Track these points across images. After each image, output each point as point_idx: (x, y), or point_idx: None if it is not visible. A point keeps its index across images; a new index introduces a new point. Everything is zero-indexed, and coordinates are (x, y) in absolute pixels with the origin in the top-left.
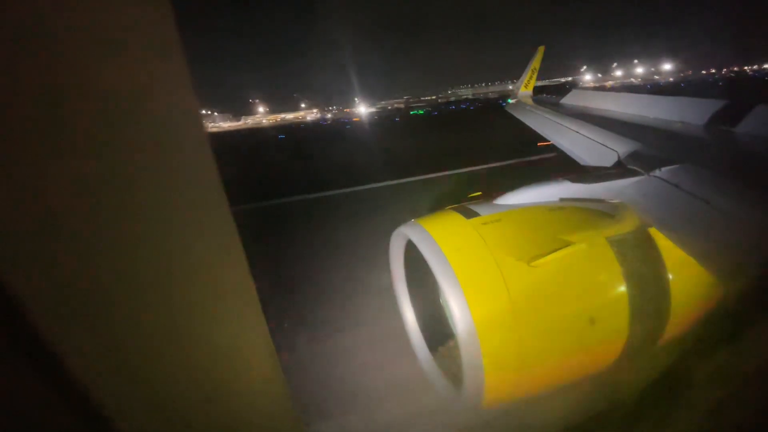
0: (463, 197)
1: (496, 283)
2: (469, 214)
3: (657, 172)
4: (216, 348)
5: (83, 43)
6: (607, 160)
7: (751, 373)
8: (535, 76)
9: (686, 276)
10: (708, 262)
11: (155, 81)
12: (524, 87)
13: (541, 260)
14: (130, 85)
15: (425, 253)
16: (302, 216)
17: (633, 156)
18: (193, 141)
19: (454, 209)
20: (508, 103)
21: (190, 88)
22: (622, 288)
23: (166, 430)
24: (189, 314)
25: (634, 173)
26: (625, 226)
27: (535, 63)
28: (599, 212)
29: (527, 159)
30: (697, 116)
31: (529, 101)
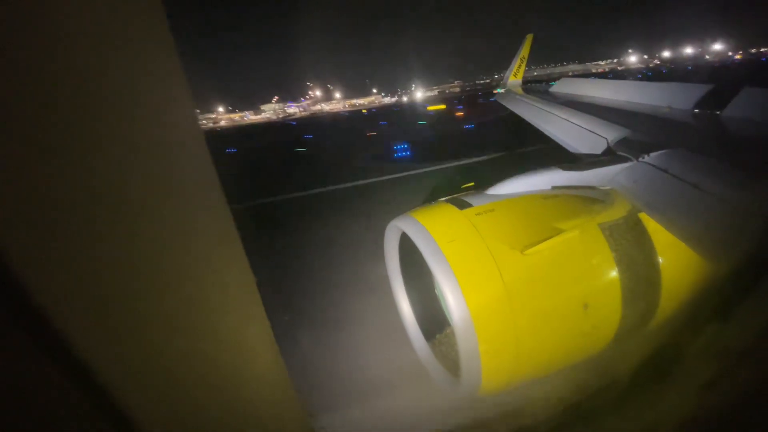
0: None
1: (490, 272)
2: (462, 205)
3: (646, 158)
4: (219, 340)
5: (78, 43)
6: (597, 147)
7: (741, 351)
8: (524, 65)
9: (676, 259)
10: (697, 244)
11: (149, 81)
12: (513, 76)
13: (535, 248)
14: (124, 85)
15: (419, 245)
16: None
17: (622, 142)
18: (190, 139)
19: (447, 201)
20: (498, 92)
21: (185, 86)
22: (614, 273)
23: (174, 419)
24: (192, 308)
25: (623, 159)
26: (616, 212)
27: (524, 52)
28: (590, 199)
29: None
30: (685, 101)
31: (519, 90)
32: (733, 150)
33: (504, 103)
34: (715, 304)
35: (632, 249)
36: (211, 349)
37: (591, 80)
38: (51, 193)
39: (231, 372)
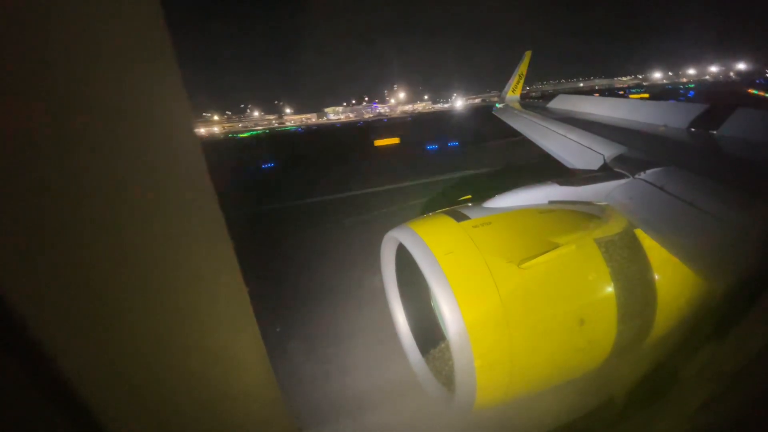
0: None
1: (486, 285)
2: (460, 217)
3: (642, 175)
4: (209, 353)
5: (76, 50)
6: (594, 163)
7: (736, 369)
8: (522, 81)
9: (671, 276)
10: (692, 262)
11: (146, 87)
12: (512, 91)
13: (531, 262)
14: (121, 91)
15: (416, 257)
16: None
17: (618, 159)
18: (185, 146)
19: (445, 212)
20: (497, 107)
21: (182, 93)
22: (610, 288)
23: None
24: (181, 319)
25: (620, 176)
26: (612, 227)
27: (522, 68)
28: (587, 214)
29: None
30: (680, 120)
31: (517, 105)
32: (727, 169)
33: (502, 117)
34: (711, 323)
35: (628, 265)
36: (199, 363)
37: (588, 97)
38: (41, 201)
39: (220, 387)
